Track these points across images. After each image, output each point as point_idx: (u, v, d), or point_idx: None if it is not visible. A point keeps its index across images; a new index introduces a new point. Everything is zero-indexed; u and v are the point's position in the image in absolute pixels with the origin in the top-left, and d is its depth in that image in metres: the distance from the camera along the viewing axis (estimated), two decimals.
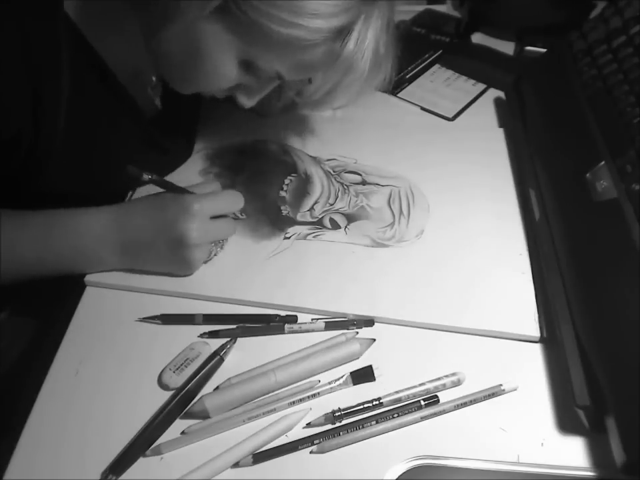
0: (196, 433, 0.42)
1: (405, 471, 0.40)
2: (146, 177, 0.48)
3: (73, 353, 0.46)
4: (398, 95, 0.75)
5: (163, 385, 0.44)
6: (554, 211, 0.53)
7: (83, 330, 0.48)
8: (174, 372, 0.44)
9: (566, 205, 0.52)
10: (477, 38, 0.85)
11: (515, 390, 0.44)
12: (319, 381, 0.45)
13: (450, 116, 0.71)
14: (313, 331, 0.48)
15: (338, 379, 0.44)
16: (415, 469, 0.40)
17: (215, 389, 0.44)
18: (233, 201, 0.52)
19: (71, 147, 0.51)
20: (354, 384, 0.45)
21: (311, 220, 0.57)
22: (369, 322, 0.48)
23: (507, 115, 0.70)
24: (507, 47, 0.82)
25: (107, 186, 0.54)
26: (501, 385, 0.44)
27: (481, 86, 0.76)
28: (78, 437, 0.42)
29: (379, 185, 0.61)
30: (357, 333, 0.48)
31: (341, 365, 0.46)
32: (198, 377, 0.44)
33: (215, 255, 0.53)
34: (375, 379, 0.45)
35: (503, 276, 0.52)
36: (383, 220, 0.57)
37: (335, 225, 0.57)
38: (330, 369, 0.46)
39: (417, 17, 0.89)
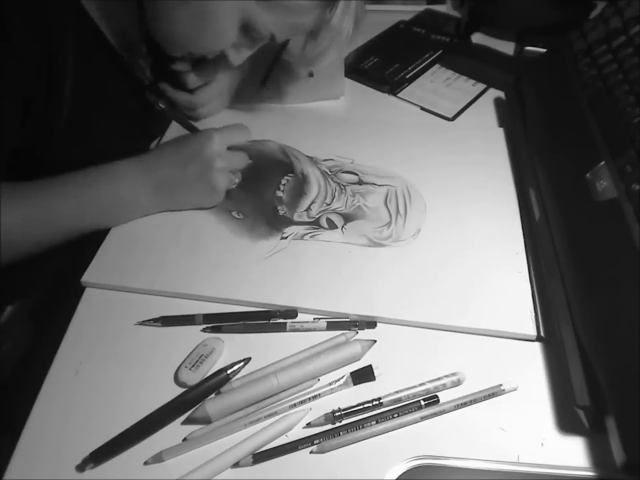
0: (197, 440, 0.41)
1: (405, 471, 0.40)
2: (160, 105, 0.59)
3: (73, 353, 0.46)
4: (398, 95, 0.75)
5: (180, 383, 0.44)
6: (554, 210, 0.53)
7: (83, 330, 0.48)
8: (190, 369, 0.45)
9: (566, 205, 0.52)
10: (477, 38, 0.85)
11: (515, 390, 0.44)
12: (318, 379, 0.45)
13: (450, 116, 0.71)
14: (314, 330, 0.48)
15: (338, 380, 0.44)
16: (415, 469, 0.40)
17: (216, 393, 0.44)
18: (243, 131, 0.60)
19: (77, 113, 0.54)
20: (354, 384, 0.45)
21: (307, 220, 0.57)
22: (371, 324, 0.48)
23: (507, 115, 0.70)
24: (507, 47, 0.82)
25: (112, 151, 0.55)
26: (500, 384, 0.44)
27: (481, 86, 0.76)
28: (78, 437, 0.42)
29: (375, 184, 0.61)
30: (357, 332, 0.48)
31: (342, 367, 0.46)
32: (200, 388, 0.44)
33: (234, 185, 0.58)
34: (374, 379, 0.45)
35: (500, 275, 0.52)
36: (379, 219, 0.57)
37: (332, 225, 0.57)
38: (331, 372, 0.45)
39: (417, 17, 0.90)
